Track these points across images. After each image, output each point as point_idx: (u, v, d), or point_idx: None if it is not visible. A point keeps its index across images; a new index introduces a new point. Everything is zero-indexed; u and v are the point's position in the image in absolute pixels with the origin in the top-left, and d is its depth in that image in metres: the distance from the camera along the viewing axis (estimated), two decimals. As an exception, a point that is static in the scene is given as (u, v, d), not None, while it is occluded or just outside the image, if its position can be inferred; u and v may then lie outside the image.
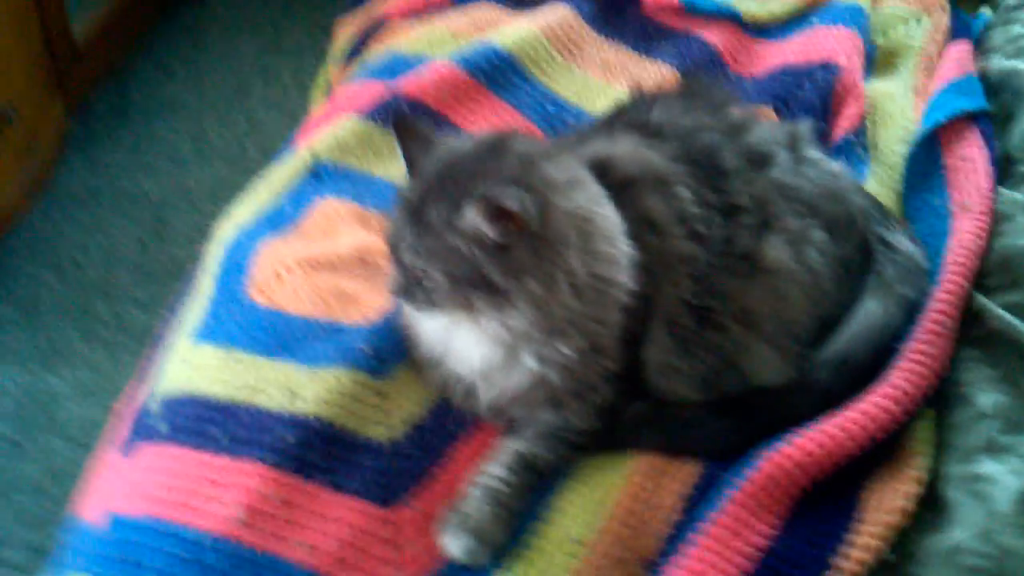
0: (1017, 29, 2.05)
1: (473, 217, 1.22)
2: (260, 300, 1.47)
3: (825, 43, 2.00)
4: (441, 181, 1.28)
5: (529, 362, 1.33)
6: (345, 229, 1.61)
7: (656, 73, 2.01)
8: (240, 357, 1.39)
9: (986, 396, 1.41)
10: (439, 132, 1.79)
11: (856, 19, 2.07)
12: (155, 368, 1.48)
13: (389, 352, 1.41)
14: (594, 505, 1.31)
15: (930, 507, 1.32)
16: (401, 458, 1.33)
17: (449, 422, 1.40)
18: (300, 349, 1.39)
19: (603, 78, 2.01)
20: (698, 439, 1.39)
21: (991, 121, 1.85)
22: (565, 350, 1.32)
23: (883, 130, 1.88)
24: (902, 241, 1.57)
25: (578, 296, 1.29)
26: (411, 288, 1.29)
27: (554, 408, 1.37)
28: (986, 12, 2.18)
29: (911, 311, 1.48)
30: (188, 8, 3.54)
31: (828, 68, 1.94)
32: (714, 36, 2.11)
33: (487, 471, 1.33)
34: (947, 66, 1.97)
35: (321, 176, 1.73)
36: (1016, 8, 2.11)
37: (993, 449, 1.35)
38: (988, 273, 1.55)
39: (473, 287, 1.25)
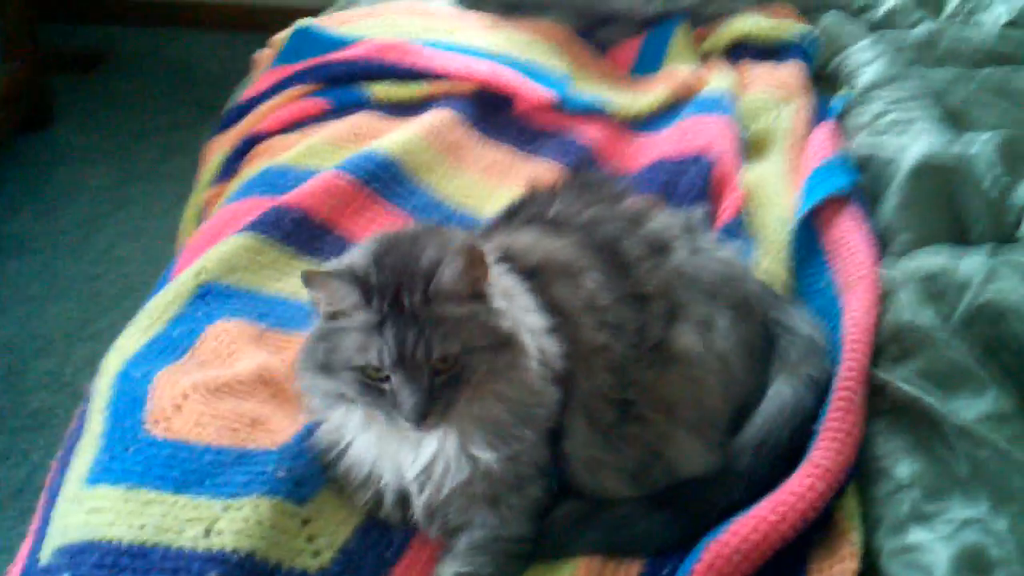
0: (876, 107, 2.16)
1: (453, 270, 1.24)
2: (159, 432, 1.39)
3: (699, 134, 2.08)
4: (395, 272, 1.28)
5: (480, 452, 1.30)
6: (242, 351, 1.55)
7: (540, 172, 2.03)
8: (144, 496, 1.30)
9: (903, 466, 1.44)
10: (327, 245, 1.81)
11: (724, 107, 2.16)
12: (45, 522, 1.38)
13: (307, 475, 1.35)
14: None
15: (868, 582, 1.33)
16: (333, 587, 1.26)
17: (380, 543, 1.35)
18: (210, 481, 1.32)
19: (489, 179, 2.03)
20: (636, 536, 1.37)
21: (863, 198, 1.94)
22: (520, 434, 1.31)
23: (764, 213, 1.94)
24: (798, 323, 1.61)
25: (532, 376, 1.31)
26: (436, 395, 1.24)
27: (492, 507, 1.34)
28: (844, 91, 2.30)
29: (819, 391, 1.51)
30: (32, 139, 3.42)
31: (703, 159, 2.00)
32: (590, 134, 2.16)
33: (430, 603, 1.28)
34: (816, 147, 2.07)
35: (210, 298, 1.66)
36: (873, 88, 2.23)
37: (919, 518, 1.38)
38: (882, 347, 1.60)
39: (491, 352, 1.27)
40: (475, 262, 1.26)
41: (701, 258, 1.57)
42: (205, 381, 1.46)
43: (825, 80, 2.38)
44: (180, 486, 1.31)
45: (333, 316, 1.29)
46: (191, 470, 1.33)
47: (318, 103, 2.23)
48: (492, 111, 2.20)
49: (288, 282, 1.74)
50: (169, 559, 1.23)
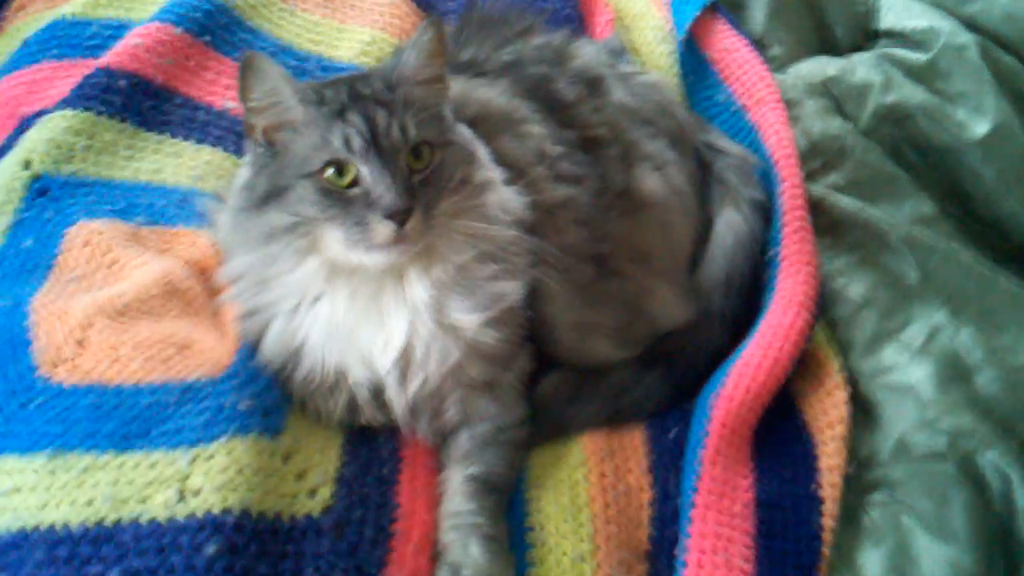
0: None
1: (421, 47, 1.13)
2: (65, 377, 1.10)
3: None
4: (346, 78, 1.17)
5: (463, 316, 1.14)
6: (127, 257, 1.25)
7: (386, 3, 1.77)
8: (77, 461, 1.03)
9: (856, 286, 1.43)
10: (175, 113, 1.50)
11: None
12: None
13: (270, 399, 1.13)
14: (571, 511, 1.17)
15: (860, 409, 1.31)
16: (347, 528, 1.07)
17: (373, 460, 1.17)
18: (158, 429, 1.06)
19: (332, 17, 1.74)
20: (634, 401, 1.28)
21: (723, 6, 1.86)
22: (501, 290, 1.17)
23: (637, 34, 1.81)
24: (726, 143, 1.55)
25: (501, 212, 1.18)
26: (415, 193, 1.08)
27: (490, 393, 1.19)
28: None
29: (764, 213, 1.46)
30: None
31: (566, -24, 1.82)
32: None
33: (453, 510, 1.12)
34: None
35: (53, 195, 1.32)
36: None
37: (886, 335, 1.38)
38: (802, 160, 1.56)
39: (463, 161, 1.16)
40: (442, 39, 1.15)
41: (634, 88, 1.44)
42: (106, 302, 1.17)
43: None
44: (122, 442, 1.06)
45: (272, 133, 1.13)
46: (129, 419, 1.07)
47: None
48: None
49: (144, 163, 1.42)
50: (144, 536, 0.99)
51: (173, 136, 1.47)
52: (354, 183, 1.07)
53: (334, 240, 1.08)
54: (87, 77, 1.45)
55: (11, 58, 1.59)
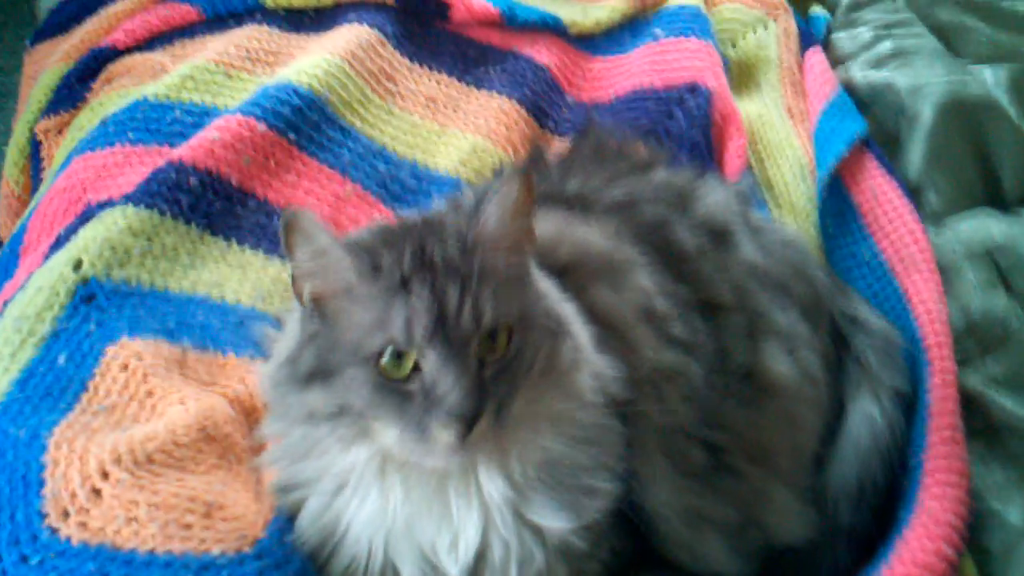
0: (865, 33, 1.92)
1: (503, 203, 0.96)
2: (73, 532, 0.99)
3: (682, 61, 1.76)
4: (413, 232, 1.00)
5: (548, 521, 0.98)
6: (165, 388, 1.15)
7: (494, 108, 1.67)
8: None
9: (1016, 509, 1.24)
10: (248, 217, 1.41)
11: (704, 29, 1.85)
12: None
13: (300, 588, 0.99)
14: None
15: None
16: None
17: None
18: (164, 612, 0.94)
19: (433, 119, 1.65)
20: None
21: (875, 143, 1.70)
22: (593, 487, 1.00)
23: (773, 167, 1.67)
24: (869, 317, 1.38)
25: (592, 392, 1.02)
26: (487, 389, 0.92)
27: None
28: (819, 11, 2.04)
29: (906, 407, 1.29)
30: None
31: (698, 92, 1.69)
32: (543, 56, 1.80)
33: None
34: (816, 83, 1.82)
35: (99, 303, 1.23)
36: (855, 8, 1.99)
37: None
38: (956, 341, 1.39)
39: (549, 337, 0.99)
40: (529, 193, 0.97)
41: (766, 245, 1.29)
42: (130, 447, 1.06)
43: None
44: (122, 623, 0.93)
45: (322, 303, 0.98)
46: None
47: (183, 11, 1.75)
48: (420, 26, 1.79)
49: (204, 273, 1.33)
50: None
51: (240, 244, 1.38)
52: (414, 373, 0.93)
53: (387, 437, 0.94)
54: (156, 172, 1.37)
55: (87, 137, 1.52)
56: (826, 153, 1.65)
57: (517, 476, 0.97)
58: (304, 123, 1.51)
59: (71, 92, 1.69)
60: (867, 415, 1.27)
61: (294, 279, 0.99)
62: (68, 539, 0.98)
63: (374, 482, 0.98)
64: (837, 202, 1.61)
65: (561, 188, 1.27)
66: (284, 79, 1.54)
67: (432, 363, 0.91)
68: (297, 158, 1.48)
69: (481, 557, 0.99)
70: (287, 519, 1.04)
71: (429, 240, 0.96)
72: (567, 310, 1.05)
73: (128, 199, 1.33)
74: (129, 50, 1.70)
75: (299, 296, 0.99)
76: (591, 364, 1.02)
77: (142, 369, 1.16)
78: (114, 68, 1.67)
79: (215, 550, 0.99)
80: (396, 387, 0.92)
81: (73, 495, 1.01)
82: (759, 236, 1.30)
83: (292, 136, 1.49)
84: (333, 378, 0.95)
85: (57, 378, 1.15)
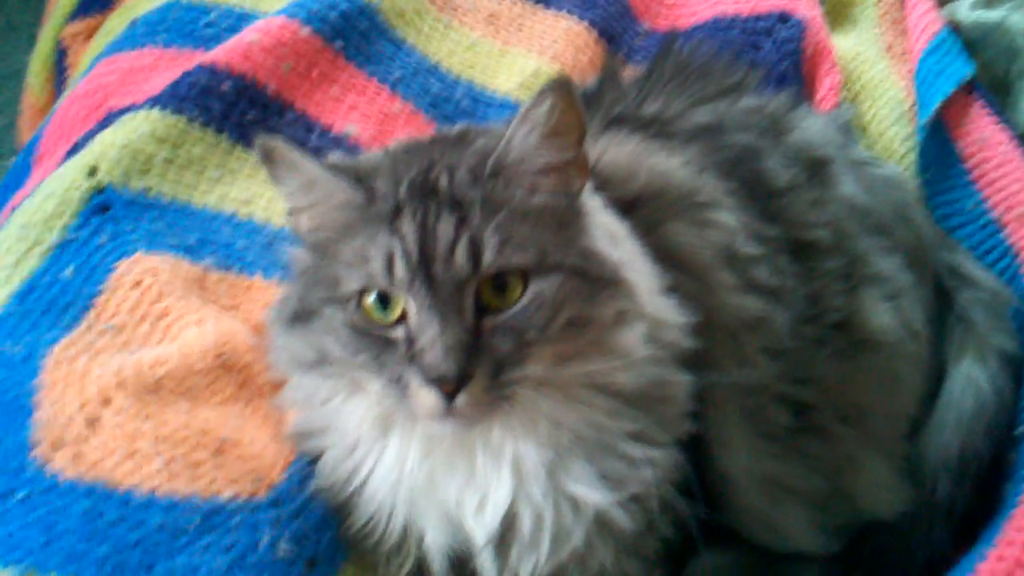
0: (972, -31, 1.74)
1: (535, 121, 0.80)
2: (64, 467, 0.87)
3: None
4: (423, 156, 0.86)
5: (585, 492, 0.85)
6: (181, 308, 1.03)
7: (561, 28, 1.53)
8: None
9: None
10: (284, 129, 1.29)
11: (797, -44, 1.68)
12: None
13: (321, 544, 0.88)
14: None
15: None
16: None
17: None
18: (164, 565, 0.82)
19: (495, 38, 1.50)
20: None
21: (983, 88, 1.54)
22: (644, 456, 0.86)
23: (869, 106, 1.52)
24: (977, 271, 1.23)
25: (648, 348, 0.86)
26: (482, 345, 0.78)
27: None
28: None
29: (1016, 370, 1.14)
30: None
31: (790, 22, 1.53)
32: (617, -25, 1.64)
33: None
34: (919, 20, 1.65)
35: (114, 214, 1.11)
36: (965, -58, 1.81)
37: None
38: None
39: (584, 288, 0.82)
40: (571, 109, 0.81)
41: (867, 182, 1.14)
42: (137, 370, 0.94)
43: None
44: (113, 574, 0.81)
45: (319, 237, 0.86)
46: (131, 543, 0.84)
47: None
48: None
49: (233, 189, 1.21)
50: None
51: (276, 159, 1.25)
52: (401, 320, 0.80)
53: (373, 392, 0.82)
54: (186, 74, 1.25)
55: (114, 39, 1.40)
56: (929, 95, 1.49)
57: (549, 441, 0.84)
58: (353, 30, 1.37)
59: (93, -2, 1.57)
60: (971, 379, 1.13)
61: (290, 212, 0.87)
62: (57, 473, 0.87)
63: (386, 437, 0.86)
64: (938, 148, 1.45)
65: (637, 111, 1.13)
66: (333, -11, 1.40)
67: (415, 310, 0.78)
68: (343, 69, 1.35)
69: (510, 526, 0.86)
70: (308, 462, 0.93)
71: (439, 163, 0.83)
72: (628, 251, 0.90)
73: (154, 102, 1.21)
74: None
75: (298, 231, 0.88)
76: (649, 315, 0.86)
77: (157, 286, 1.04)
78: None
79: (225, 493, 0.88)
80: (378, 333, 0.80)
81: (66, 424, 0.90)
82: (860, 171, 1.15)
83: (339, 44, 1.35)
84: (312, 320, 0.84)
85: (61, 292, 1.03)
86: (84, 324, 1.00)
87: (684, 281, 0.93)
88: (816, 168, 1.10)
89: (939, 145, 1.45)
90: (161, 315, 1.03)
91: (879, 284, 1.06)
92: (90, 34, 1.56)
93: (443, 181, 0.81)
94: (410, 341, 0.78)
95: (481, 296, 0.79)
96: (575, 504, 0.85)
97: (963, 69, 1.52)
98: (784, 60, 1.49)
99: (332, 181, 0.82)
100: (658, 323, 0.87)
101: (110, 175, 1.13)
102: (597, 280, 0.83)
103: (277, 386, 0.98)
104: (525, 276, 0.79)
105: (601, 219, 0.89)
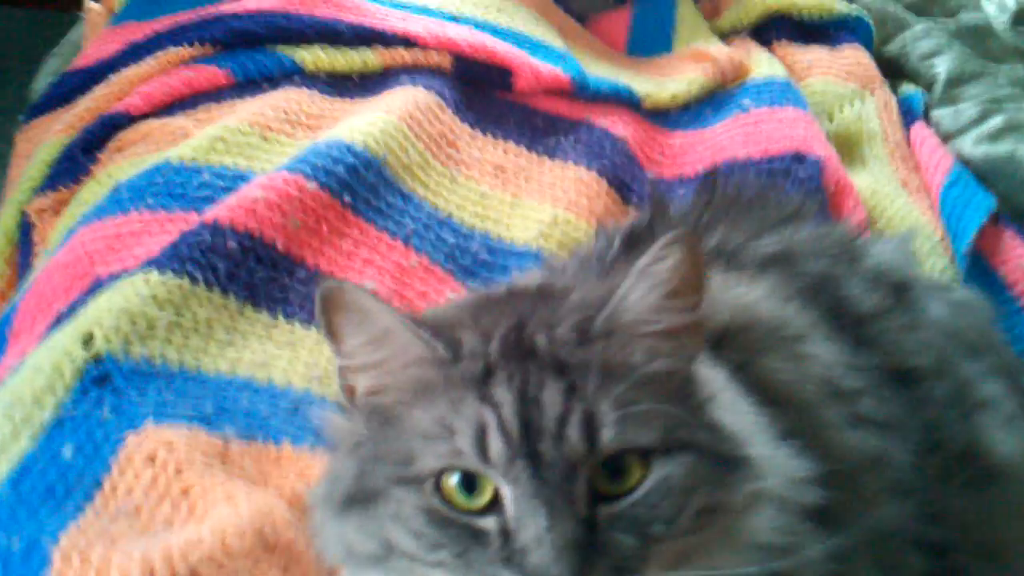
0: (970, 109, 1.74)
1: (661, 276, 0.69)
2: None
3: (782, 130, 1.56)
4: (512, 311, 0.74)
5: None
6: (205, 484, 0.88)
7: (571, 178, 1.46)
8: None
9: None
10: (296, 287, 1.18)
11: (799, 99, 1.67)
12: None
13: None
14: None
15: None
16: None
17: None
18: None
19: (504, 189, 1.42)
20: None
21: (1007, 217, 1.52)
22: None
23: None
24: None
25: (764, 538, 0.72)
26: (598, 544, 0.64)
27: None
28: (912, 89, 1.86)
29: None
30: None
31: (805, 162, 1.48)
32: (619, 128, 1.60)
33: None
34: (930, 156, 1.64)
35: (115, 386, 0.97)
36: (955, 84, 1.82)
37: None
38: None
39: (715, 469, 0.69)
40: (697, 263, 0.71)
41: (953, 304, 1.06)
42: (166, 556, 0.79)
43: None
44: None
45: (381, 403, 0.72)
46: None
47: (211, 73, 1.53)
48: (477, 95, 1.59)
49: (247, 353, 1.08)
50: None
51: (289, 318, 1.14)
52: (493, 506, 0.66)
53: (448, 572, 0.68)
54: (186, 234, 1.14)
55: (96, 206, 1.29)
56: (961, 226, 1.46)
57: None
58: (360, 185, 1.28)
59: (73, 164, 1.45)
60: None
61: (341, 371, 0.74)
62: None
63: None
64: (981, 278, 1.40)
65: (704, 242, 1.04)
66: (335, 137, 1.32)
67: (512, 496, 0.64)
68: (353, 224, 1.25)
69: None
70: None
71: (533, 318, 0.71)
72: (731, 396, 0.79)
73: (151, 264, 1.09)
74: (145, 116, 1.48)
75: (348, 393, 0.74)
76: (779, 492, 0.74)
77: (173, 461, 0.90)
78: (126, 136, 1.44)
79: None
80: (463, 522, 0.66)
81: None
82: (940, 295, 1.07)
83: (347, 198, 1.26)
84: (374, 504, 0.69)
85: (62, 475, 0.89)
86: (93, 509, 0.86)
87: (790, 423, 0.81)
88: (900, 292, 1.02)
89: (982, 274, 1.41)
90: (183, 492, 0.88)
91: (992, 409, 0.96)
92: (59, 209, 1.44)
93: (541, 340, 0.68)
94: (506, 535, 0.64)
95: (592, 481, 0.65)
96: None
97: (987, 199, 1.50)
98: (808, 199, 1.43)
99: (409, 333, 0.69)
100: (784, 475, 0.75)
101: (108, 343, 1.00)
102: (727, 459, 0.70)
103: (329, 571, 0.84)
104: (646, 457, 0.66)
105: (712, 382, 0.77)
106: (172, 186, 1.27)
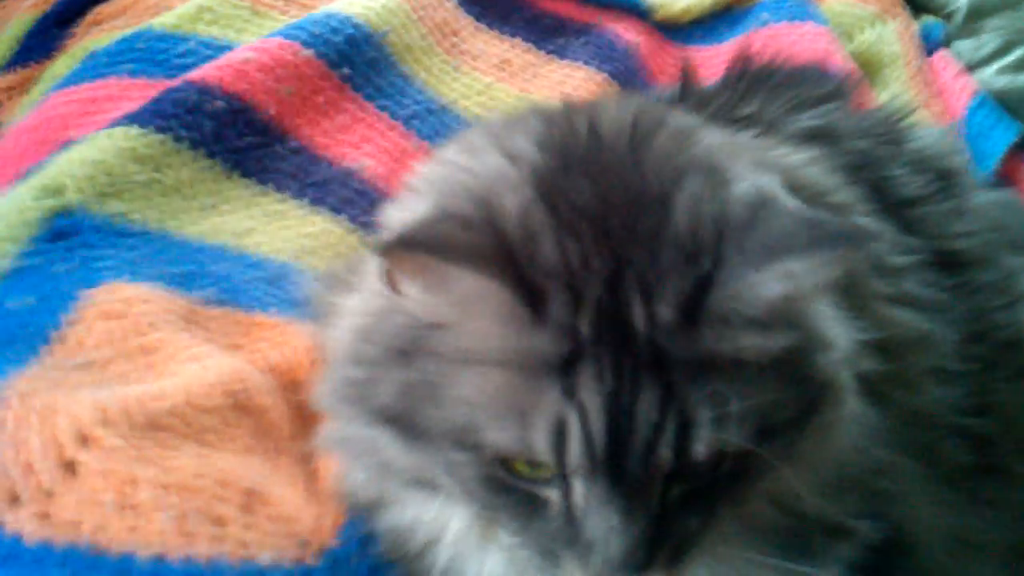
0: (992, 40, 1.66)
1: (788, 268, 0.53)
2: (32, 528, 0.62)
3: (802, 43, 1.47)
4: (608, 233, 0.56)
5: None
6: (172, 345, 0.78)
7: (580, 78, 1.37)
8: None
9: None
10: (284, 161, 1.09)
11: (818, 15, 1.57)
12: None
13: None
14: None
15: None
16: None
17: None
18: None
19: (510, 83, 1.33)
20: None
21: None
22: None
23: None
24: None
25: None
26: (665, 530, 0.55)
27: None
28: (932, 19, 1.78)
29: None
30: None
31: (827, 73, 1.38)
32: (630, 33, 1.50)
33: None
34: (952, 82, 1.56)
35: (81, 239, 0.88)
36: (976, 17, 1.73)
37: None
38: None
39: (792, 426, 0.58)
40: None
41: (995, 198, 0.99)
42: (125, 406, 0.69)
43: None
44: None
45: (440, 337, 0.57)
46: None
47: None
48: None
49: (230, 220, 0.99)
50: None
51: (279, 190, 1.04)
52: (553, 479, 0.56)
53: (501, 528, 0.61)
54: (170, 90, 1.03)
55: (69, 74, 1.18)
56: (987, 148, 1.39)
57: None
58: (360, 59, 1.18)
59: (46, 39, 1.34)
60: None
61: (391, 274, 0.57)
62: (18, 535, 0.61)
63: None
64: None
65: (732, 112, 0.94)
66: (334, 9, 1.22)
67: (588, 499, 0.55)
68: (351, 99, 1.15)
69: None
70: (363, 523, 0.69)
71: (632, 265, 0.55)
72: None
73: (132, 119, 0.99)
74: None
75: (392, 282, 0.58)
76: (832, 337, 0.62)
77: (133, 318, 0.80)
78: (104, 9, 1.34)
79: (263, 556, 0.63)
80: (525, 489, 0.57)
81: (33, 469, 0.64)
82: (983, 186, 0.99)
83: (346, 71, 1.16)
84: (422, 442, 0.58)
85: (19, 325, 0.78)
86: (40, 361, 0.75)
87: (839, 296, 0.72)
88: (945, 178, 0.93)
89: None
90: (147, 350, 0.78)
91: (1035, 300, 0.88)
92: (27, 87, 1.34)
93: (638, 316, 0.54)
94: (570, 516, 0.56)
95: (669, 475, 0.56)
96: None
97: (1012, 125, 1.43)
98: (846, 80, 1.34)
99: (499, 293, 0.53)
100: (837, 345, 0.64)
101: (79, 195, 0.90)
102: (807, 407, 0.59)
103: (307, 424, 0.75)
104: (741, 451, 0.55)
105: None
106: (154, 52, 1.17)
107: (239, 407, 0.74)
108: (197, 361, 0.77)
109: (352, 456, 0.68)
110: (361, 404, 0.60)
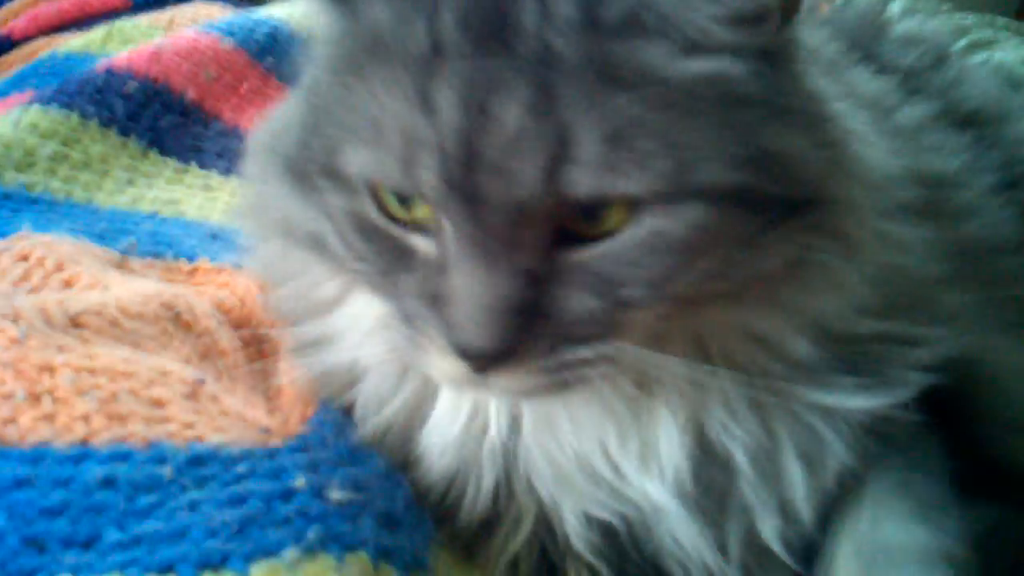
0: None
1: None
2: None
3: None
4: None
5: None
6: (94, 274, 0.66)
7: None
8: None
9: None
10: (210, 141, 0.99)
11: None
12: None
13: (397, 499, 0.51)
14: None
15: None
16: None
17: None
18: (112, 531, 0.44)
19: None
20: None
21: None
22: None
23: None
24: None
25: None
26: (542, 304, 0.45)
27: None
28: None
29: None
30: None
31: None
32: None
33: None
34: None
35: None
36: None
37: None
38: None
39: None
40: None
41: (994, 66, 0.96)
42: (41, 306, 0.57)
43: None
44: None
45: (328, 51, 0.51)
46: (47, 512, 0.44)
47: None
48: None
49: (154, 192, 0.89)
50: None
51: (204, 167, 0.94)
52: (425, 225, 0.47)
53: (378, 294, 0.51)
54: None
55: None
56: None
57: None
58: (283, 52, 1.10)
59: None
60: None
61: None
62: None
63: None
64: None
65: None
66: (252, 15, 1.15)
67: (451, 234, 0.45)
68: (277, 88, 1.06)
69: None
70: (338, 409, 0.57)
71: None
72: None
73: (33, 100, 0.88)
74: (31, 39, 1.28)
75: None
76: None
77: (54, 258, 0.67)
78: (8, 58, 1.25)
79: (212, 439, 0.49)
80: (394, 235, 0.47)
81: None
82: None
83: (270, 60, 1.08)
84: (307, 188, 0.50)
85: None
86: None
87: None
88: (938, 56, 0.89)
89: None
90: (66, 283, 0.65)
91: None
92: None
93: (528, 9, 0.43)
94: (441, 267, 0.45)
95: (556, 218, 0.44)
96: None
97: None
98: None
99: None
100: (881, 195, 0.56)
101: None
102: (779, 202, 0.47)
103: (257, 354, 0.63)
104: (635, 205, 0.44)
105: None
106: (60, 69, 1.08)
107: (182, 323, 0.62)
108: (134, 283, 0.65)
109: (267, 231, 0.62)
110: (272, 155, 0.54)
